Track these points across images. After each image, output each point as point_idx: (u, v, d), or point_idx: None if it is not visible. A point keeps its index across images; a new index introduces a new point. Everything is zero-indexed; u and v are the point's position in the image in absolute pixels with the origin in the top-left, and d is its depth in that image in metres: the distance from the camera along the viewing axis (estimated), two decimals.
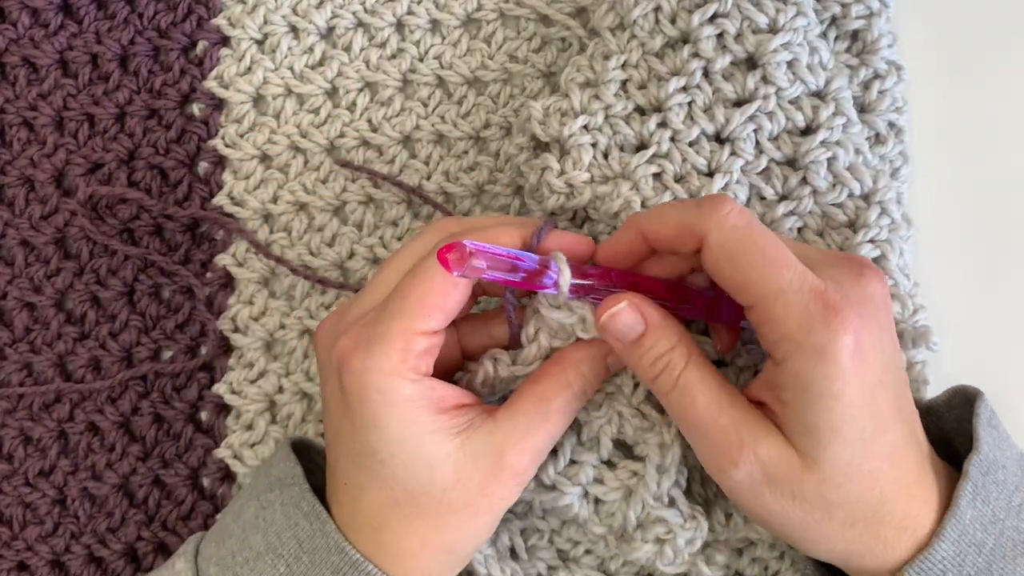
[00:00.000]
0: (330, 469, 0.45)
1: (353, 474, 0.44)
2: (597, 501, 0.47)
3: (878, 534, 0.41)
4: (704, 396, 0.42)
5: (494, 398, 0.48)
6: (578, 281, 0.43)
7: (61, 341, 0.57)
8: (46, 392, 0.56)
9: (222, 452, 0.55)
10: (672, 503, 0.46)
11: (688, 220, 0.42)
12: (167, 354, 0.57)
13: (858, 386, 0.40)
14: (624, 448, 0.48)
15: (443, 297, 0.42)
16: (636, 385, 0.47)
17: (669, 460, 0.46)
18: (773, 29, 0.49)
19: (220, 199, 0.56)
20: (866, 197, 0.49)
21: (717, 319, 0.46)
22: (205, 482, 0.56)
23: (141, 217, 0.57)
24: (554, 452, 0.46)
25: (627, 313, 0.43)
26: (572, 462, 0.47)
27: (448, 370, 0.48)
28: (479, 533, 0.44)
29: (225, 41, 0.57)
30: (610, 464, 0.47)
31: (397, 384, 0.42)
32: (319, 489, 0.45)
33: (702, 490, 0.50)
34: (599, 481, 0.47)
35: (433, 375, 0.46)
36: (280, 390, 0.56)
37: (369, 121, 0.57)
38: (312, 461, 0.48)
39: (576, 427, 0.47)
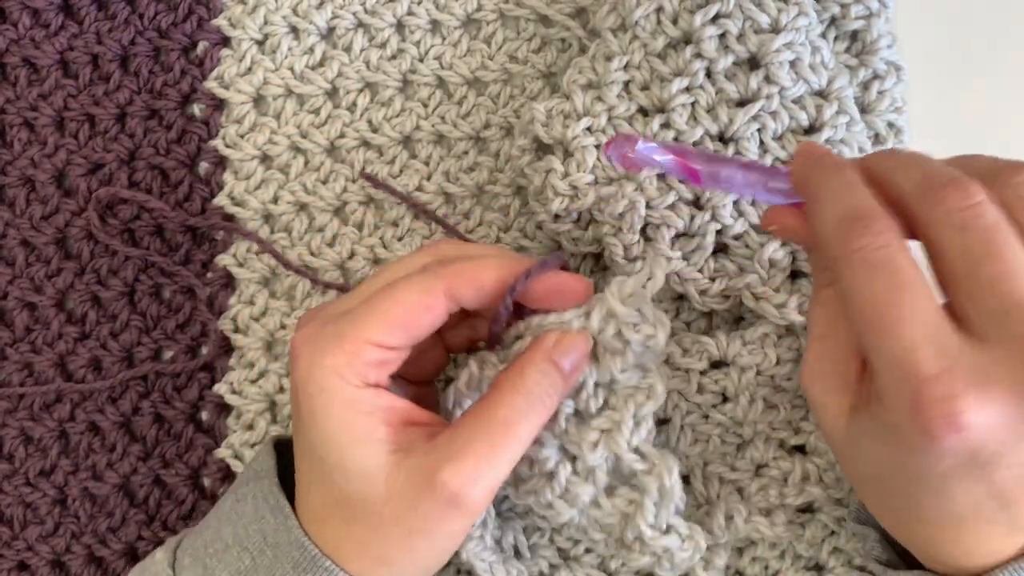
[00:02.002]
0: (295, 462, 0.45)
1: (303, 468, 0.44)
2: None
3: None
4: None
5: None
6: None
7: (62, 341, 0.57)
8: (47, 392, 0.56)
9: (223, 452, 0.56)
10: (669, 530, 0.44)
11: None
12: (168, 354, 0.57)
13: None
14: (621, 475, 0.45)
15: (409, 316, 0.42)
16: (637, 424, 0.44)
17: (668, 497, 0.44)
18: (775, 29, 0.49)
19: (221, 199, 0.56)
20: None
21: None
22: (206, 482, 0.56)
23: (142, 217, 0.57)
24: (551, 479, 0.44)
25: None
26: (568, 490, 0.44)
27: (434, 371, 0.48)
28: (417, 555, 0.42)
29: (226, 41, 0.57)
30: (608, 489, 0.45)
31: (338, 385, 0.41)
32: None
33: (704, 489, 0.50)
34: (596, 506, 0.45)
35: (417, 378, 0.45)
36: (281, 390, 0.56)
37: (369, 121, 0.57)
38: None
39: (570, 457, 0.45)
